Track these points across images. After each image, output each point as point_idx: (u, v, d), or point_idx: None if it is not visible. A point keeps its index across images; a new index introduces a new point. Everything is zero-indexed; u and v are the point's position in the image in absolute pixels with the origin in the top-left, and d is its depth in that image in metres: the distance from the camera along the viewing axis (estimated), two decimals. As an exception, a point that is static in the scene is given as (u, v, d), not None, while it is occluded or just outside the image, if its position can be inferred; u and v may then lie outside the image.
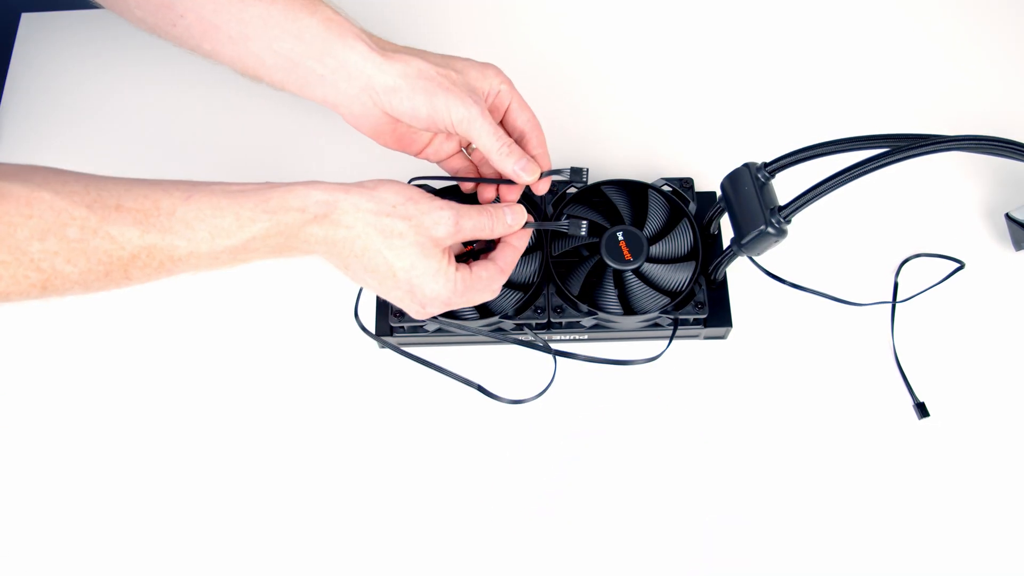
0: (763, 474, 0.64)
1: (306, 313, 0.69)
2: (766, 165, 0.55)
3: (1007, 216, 0.68)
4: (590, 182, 0.65)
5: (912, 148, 0.50)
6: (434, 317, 0.61)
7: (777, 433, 0.65)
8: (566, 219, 0.60)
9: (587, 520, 0.63)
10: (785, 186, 0.56)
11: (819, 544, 0.62)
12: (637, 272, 0.64)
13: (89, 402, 0.68)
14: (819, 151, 0.54)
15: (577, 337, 0.67)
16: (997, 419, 0.65)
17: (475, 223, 0.54)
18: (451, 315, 0.62)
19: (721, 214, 0.63)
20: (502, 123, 0.59)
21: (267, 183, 0.51)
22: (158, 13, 0.56)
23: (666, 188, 0.66)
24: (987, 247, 0.70)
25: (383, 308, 0.66)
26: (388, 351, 0.67)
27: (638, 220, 0.66)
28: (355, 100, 0.56)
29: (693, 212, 0.66)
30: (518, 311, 0.63)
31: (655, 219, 0.65)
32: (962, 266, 0.69)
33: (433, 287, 0.53)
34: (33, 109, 0.78)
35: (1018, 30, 0.78)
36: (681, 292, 0.63)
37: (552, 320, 0.64)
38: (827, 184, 0.51)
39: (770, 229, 0.53)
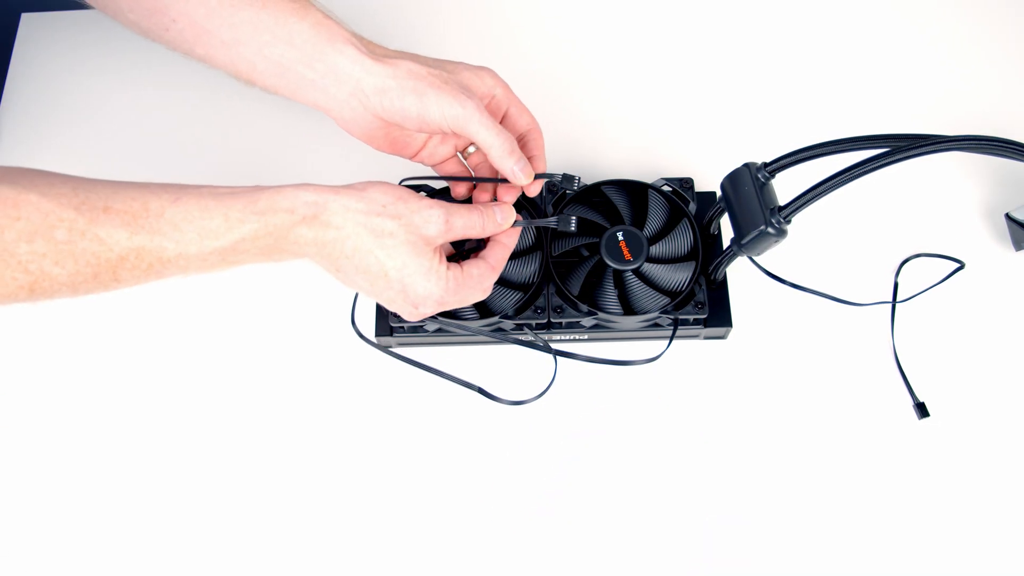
0: (763, 474, 0.64)
1: (306, 317, 0.69)
2: (766, 165, 0.55)
3: (1007, 216, 0.68)
4: (585, 183, 0.65)
5: (912, 148, 0.50)
6: (433, 317, 0.61)
7: (777, 433, 0.65)
8: (555, 216, 0.60)
9: (588, 520, 0.63)
10: (785, 186, 0.56)
11: (819, 544, 0.62)
12: (637, 272, 0.64)
13: (87, 411, 0.67)
14: (819, 151, 0.54)
15: (577, 337, 0.67)
16: (997, 419, 0.65)
17: (466, 221, 0.54)
18: (451, 315, 0.62)
19: (721, 214, 0.63)
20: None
21: (256, 186, 0.51)
22: (151, 18, 0.56)
23: (666, 188, 0.66)
24: (987, 247, 0.70)
25: (383, 309, 0.66)
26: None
27: (638, 220, 0.66)
28: (345, 104, 0.55)
29: (693, 212, 0.66)
30: (518, 311, 0.63)
31: (655, 219, 0.65)
32: (962, 266, 0.69)
33: (425, 286, 0.53)
34: (33, 109, 0.78)
35: (1018, 30, 0.78)
36: (681, 292, 0.63)
37: (552, 320, 0.64)
38: (827, 184, 0.51)
39: (770, 229, 0.53)
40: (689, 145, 0.75)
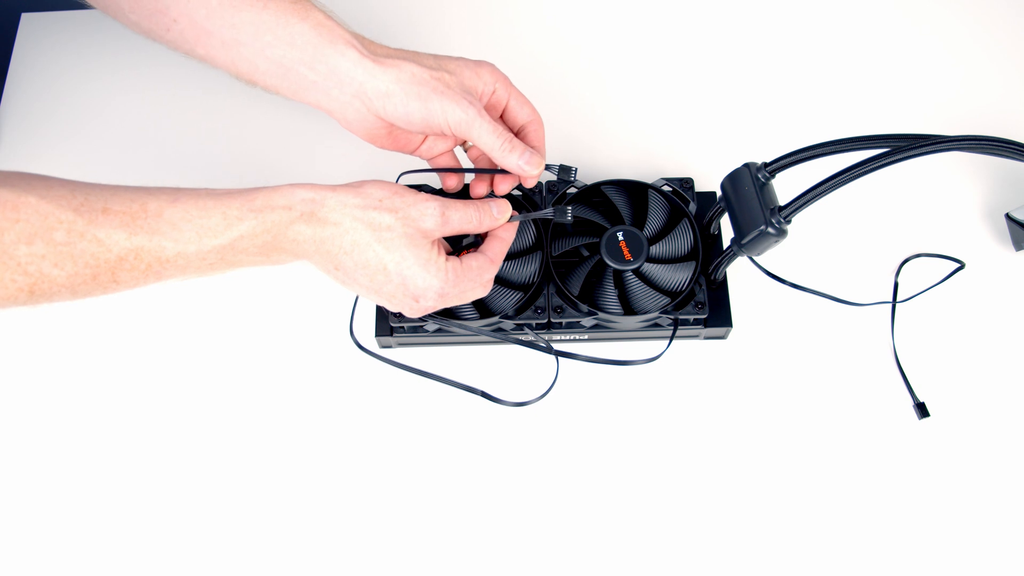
0: (763, 474, 0.64)
1: (306, 325, 0.69)
2: (766, 165, 0.55)
3: (1007, 216, 0.68)
4: (582, 181, 0.65)
5: (912, 148, 0.50)
6: (433, 316, 0.61)
7: (777, 433, 0.65)
8: (551, 208, 0.60)
9: (588, 520, 0.63)
10: (785, 186, 0.56)
11: (819, 544, 0.62)
12: (637, 272, 0.64)
13: (87, 417, 0.67)
14: (819, 151, 0.54)
15: (577, 337, 0.67)
16: (997, 419, 0.65)
17: (462, 215, 0.54)
18: (451, 315, 0.62)
19: (721, 214, 0.63)
20: (502, 119, 0.59)
21: (253, 187, 0.51)
22: (152, 18, 0.56)
23: (666, 188, 0.66)
24: (987, 247, 0.70)
25: (382, 310, 0.66)
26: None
27: (638, 220, 0.66)
28: (348, 106, 0.56)
29: (693, 212, 0.66)
30: (518, 311, 0.63)
31: (655, 219, 0.65)
32: (962, 266, 0.69)
33: (425, 277, 0.53)
34: (33, 109, 0.78)
35: (1018, 30, 0.78)
36: (681, 292, 0.63)
37: (552, 320, 0.64)
38: (827, 184, 0.51)
39: (770, 229, 0.53)
40: (689, 145, 0.75)
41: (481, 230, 0.56)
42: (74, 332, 0.70)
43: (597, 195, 0.67)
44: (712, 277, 0.64)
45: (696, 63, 0.79)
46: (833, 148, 0.53)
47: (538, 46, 0.79)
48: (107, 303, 0.49)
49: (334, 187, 0.52)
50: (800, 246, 0.69)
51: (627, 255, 0.63)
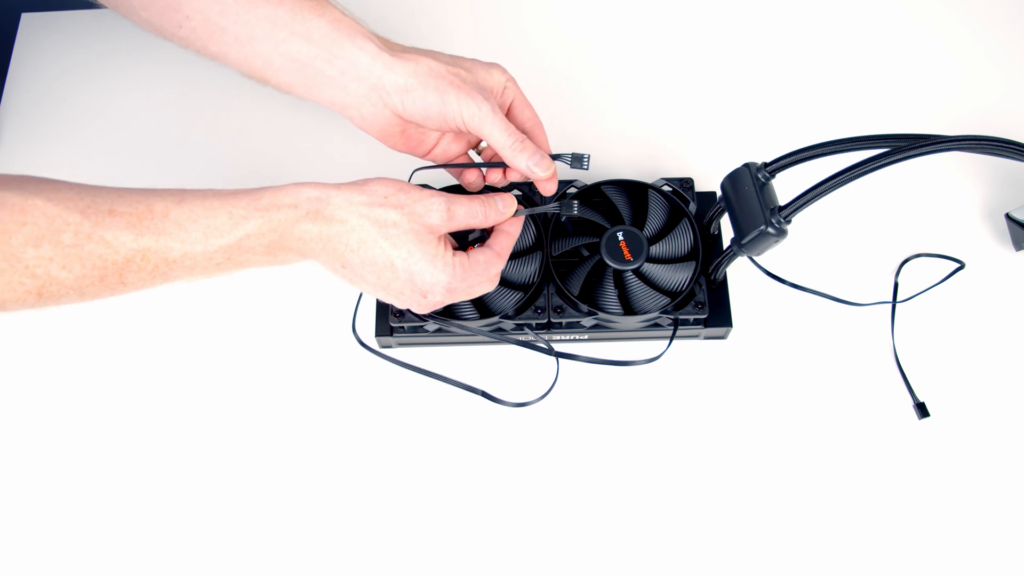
0: (763, 474, 0.64)
1: (308, 325, 0.69)
2: (766, 165, 0.55)
3: (1007, 216, 0.68)
4: (583, 181, 0.65)
5: (912, 148, 0.50)
6: (433, 316, 0.61)
7: (777, 433, 0.65)
8: (557, 203, 0.60)
9: (589, 519, 0.63)
10: (785, 186, 0.56)
11: (819, 544, 0.62)
12: (637, 272, 0.64)
13: (91, 417, 0.68)
14: (819, 151, 0.54)
15: (577, 337, 0.67)
16: (997, 419, 0.65)
17: (467, 210, 0.54)
18: (451, 315, 0.62)
19: (721, 214, 0.63)
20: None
21: (259, 187, 0.51)
22: (164, 15, 0.56)
23: (666, 188, 0.66)
24: (987, 247, 0.70)
25: (383, 310, 0.66)
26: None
27: (638, 220, 0.66)
28: (365, 101, 0.55)
29: (693, 212, 0.66)
30: (518, 311, 0.63)
31: (655, 219, 0.65)
32: (962, 266, 0.69)
33: (433, 273, 0.53)
34: (33, 109, 0.78)
35: (1018, 30, 0.78)
36: (681, 292, 0.63)
37: (552, 320, 0.64)
38: (827, 184, 0.51)
39: (770, 229, 0.53)
40: (689, 145, 0.75)
41: (487, 225, 0.56)
42: (79, 330, 0.70)
43: (597, 195, 0.67)
44: (712, 277, 0.64)
45: (696, 63, 0.79)
46: (833, 148, 0.53)
47: (540, 45, 0.79)
48: (112, 301, 0.49)
49: (339, 185, 0.52)
50: (800, 246, 0.69)
51: (627, 255, 0.63)
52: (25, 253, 0.43)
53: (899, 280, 0.69)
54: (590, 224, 0.65)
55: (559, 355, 0.64)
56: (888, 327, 0.68)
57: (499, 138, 0.54)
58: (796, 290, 0.68)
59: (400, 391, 0.67)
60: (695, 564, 0.62)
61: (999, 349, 0.67)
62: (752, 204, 0.54)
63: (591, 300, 0.63)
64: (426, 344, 0.68)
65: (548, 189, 0.57)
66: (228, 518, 0.64)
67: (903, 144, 0.50)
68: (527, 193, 0.66)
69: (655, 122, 0.76)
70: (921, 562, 0.61)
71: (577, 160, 0.59)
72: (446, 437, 0.66)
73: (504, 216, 0.56)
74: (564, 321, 0.64)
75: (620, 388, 0.67)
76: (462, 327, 0.63)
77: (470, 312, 0.63)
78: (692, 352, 0.68)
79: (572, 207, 0.59)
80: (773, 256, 0.66)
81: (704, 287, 0.64)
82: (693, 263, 0.64)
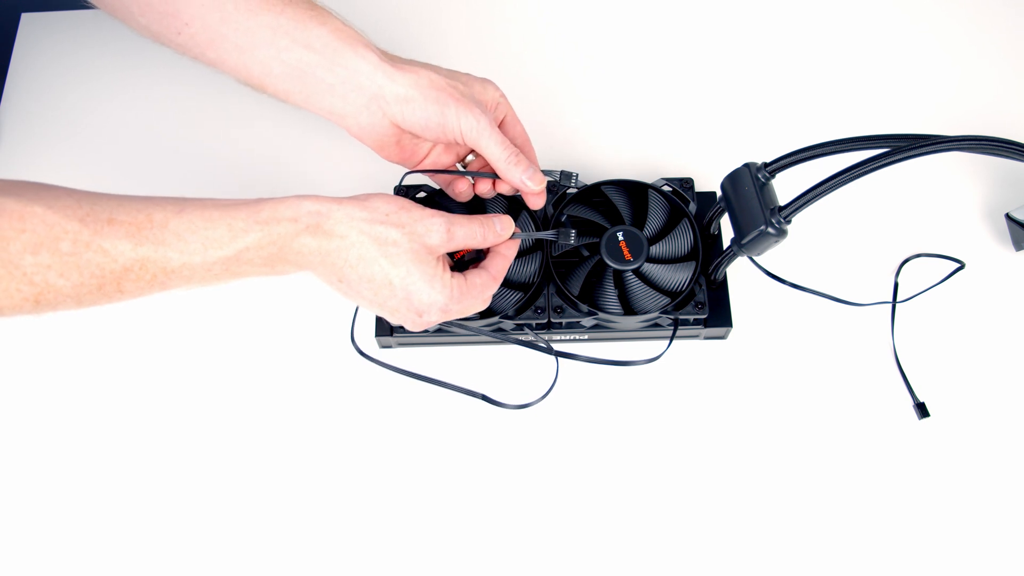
0: (763, 474, 0.64)
1: (308, 328, 0.69)
2: (766, 165, 0.55)
3: (1007, 216, 0.68)
4: (584, 183, 0.65)
5: (912, 148, 0.50)
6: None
7: (777, 433, 0.65)
8: (554, 230, 0.62)
9: (589, 520, 0.63)
10: (785, 186, 0.56)
11: (819, 544, 0.62)
12: (637, 272, 0.64)
13: (90, 424, 0.68)
14: (819, 151, 0.54)
15: (577, 337, 0.67)
16: (997, 419, 0.65)
17: (466, 231, 0.54)
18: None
19: (721, 214, 0.63)
20: None
21: (259, 198, 0.51)
22: (163, 21, 0.56)
23: (666, 188, 0.67)
24: (987, 247, 0.70)
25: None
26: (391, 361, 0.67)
27: (638, 220, 0.66)
28: (363, 110, 0.56)
29: (693, 212, 0.66)
30: (518, 311, 0.63)
31: (655, 219, 0.65)
32: (962, 266, 0.69)
33: (430, 293, 0.53)
34: (33, 109, 0.78)
35: (1018, 30, 0.78)
36: (681, 292, 0.63)
37: (552, 320, 0.64)
38: (827, 184, 0.51)
39: (770, 229, 0.53)
40: (689, 145, 0.75)
41: (484, 246, 0.56)
42: (78, 338, 0.70)
43: (597, 195, 0.67)
44: (712, 277, 0.64)
45: (696, 63, 0.79)
46: (833, 148, 0.53)
47: (540, 45, 0.79)
48: (112, 309, 0.49)
49: (340, 200, 0.52)
50: (800, 246, 0.69)
51: (627, 255, 0.63)
52: (23, 260, 0.43)
53: (899, 280, 0.69)
54: (590, 224, 0.65)
55: (559, 355, 0.64)
56: (888, 327, 0.68)
57: (495, 151, 0.56)
58: (796, 290, 0.68)
59: (400, 396, 0.67)
60: (696, 564, 0.62)
61: (999, 349, 0.67)
62: (752, 204, 0.54)
63: (591, 300, 0.63)
64: (426, 344, 0.68)
65: (536, 203, 0.59)
66: (230, 527, 0.64)
67: (903, 144, 0.50)
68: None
69: (655, 122, 0.76)
70: (921, 562, 0.61)
71: (566, 177, 0.61)
72: (446, 439, 0.66)
73: (502, 238, 0.57)
74: (564, 321, 0.64)
75: (620, 388, 0.67)
76: (462, 327, 0.63)
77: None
78: (692, 352, 0.68)
79: (569, 236, 0.61)
80: (773, 256, 0.66)
81: (704, 287, 0.64)
82: (693, 263, 0.64)
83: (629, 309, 0.63)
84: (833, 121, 0.75)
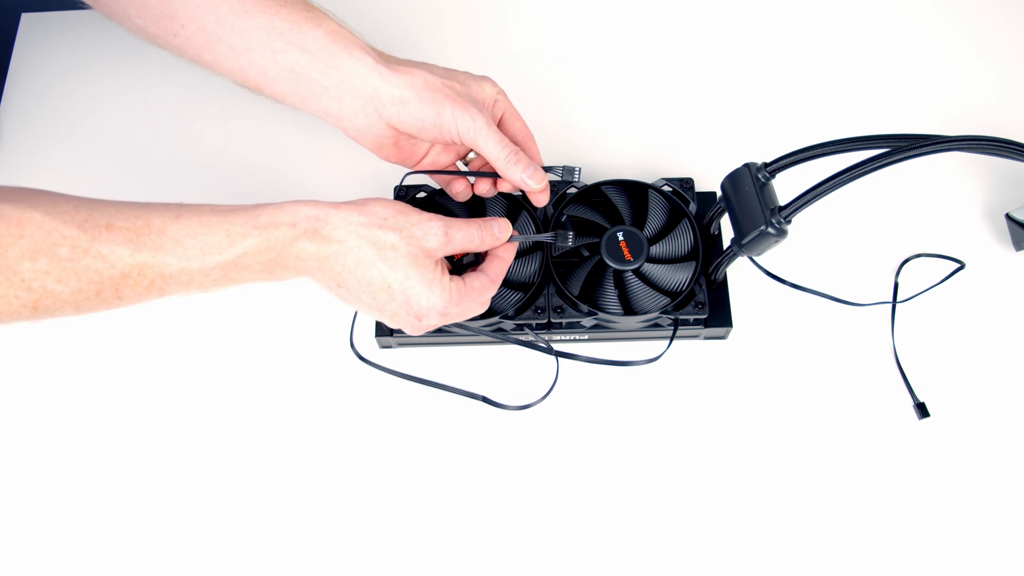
0: (763, 474, 0.64)
1: (307, 332, 0.69)
2: (766, 165, 0.55)
3: (1007, 216, 0.68)
4: (584, 182, 0.65)
5: (912, 148, 0.50)
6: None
7: (777, 433, 0.65)
8: (552, 232, 0.62)
9: (590, 520, 0.63)
10: (785, 186, 0.56)
11: (819, 544, 0.62)
12: (637, 272, 0.64)
13: (89, 429, 0.68)
14: (819, 151, 0.54)
15: (577, 337, 0.67)
16: (997, 419, 0.65)
17: (464, 234, 0.54)
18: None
19: (721, 214, 0.63)
20: None
21: (257, 204, 0.51)
22: (159, 23, 0.56)
23: (666, 188, 0.67)
24: (987, 247, 0.70)
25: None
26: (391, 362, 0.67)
27: (638, 220, 0.66)
28: (359, 112, 0.56)
29: (693, 212, 0.66)
30: (518, 311, 0.63)
31: (655, 219, 0.65)
32: (962, 266, 0.69)
33: (429, 297, 0.53)
34: (33, 109, 0.78)
35: (1018, 30, 0.78)
36: (681, 292, 0.63)
37: (552, 320, 0.64)
38: (827, 184, 0.51)
39: (770, 229, 0.53)
40: (689, 145, 0.75)
41: (482, 249, 0.56)
42: (77, 343, 0.70)
43: (597, 195, 0.67)
44: (712, 277, 0.64)
45: (696, 63, 0.79)
46: (833, 148, 0.53)
47: (539, 45, 0.79)
48: (111, 314, 0.49)
49: (338, 204, 0.52)
50: (800, 246, 0.69)
51: (627, 255, 0.63)
52: (21, 266, 0.43)
53: (899, 280, 0.69)
54: (590, 224, 0.65)
55: (559, 355, 0.64)
56: (888, 327, 0.68)
57: (493, 150, 0.55)
58: (796, 290, 0.68)
59: (400, 400, 0.67)
60: (696, 564, 0.62)
61: (999, 349, 0.67)
62: (752, 204, 0.54)
63: (591, 300, 0.63)
64: (426, 344, 0.68)
65: (540, 200, 0.59)
66: (232, 532, 0.64)
67: (903, 144, 0.50)
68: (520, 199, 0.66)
69: (655, 122, 0.76)
70: (921, 562, 0.61)
71: (568, 173, 0.60)
72: (447, 441, 0.66)
73: (500, 241, 0.57)
74: (564, 321, 0.64)
75: (620, 388, 0.67)
76: (462, 327, 0.63)
77: (470, 313, 0.63)
78: (692, 352, 0.68)
79: (567, 238, 0.61)
80: (773, 256, 0.66)
81: (704, 287, 0.64)
82: (693, 263, 0.64)
83: (629, 309, 0.63)
84: (833, 121, 0.75)
